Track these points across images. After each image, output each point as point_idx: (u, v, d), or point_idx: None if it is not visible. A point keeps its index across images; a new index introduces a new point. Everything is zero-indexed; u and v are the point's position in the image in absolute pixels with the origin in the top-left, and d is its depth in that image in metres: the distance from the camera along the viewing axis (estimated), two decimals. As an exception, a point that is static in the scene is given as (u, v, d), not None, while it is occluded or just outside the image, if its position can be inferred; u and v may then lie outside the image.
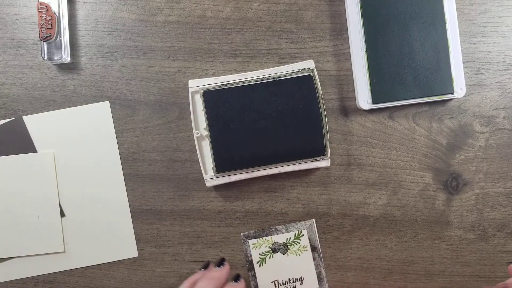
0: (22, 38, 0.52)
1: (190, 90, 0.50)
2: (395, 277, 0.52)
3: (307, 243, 0.51)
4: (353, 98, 0.52)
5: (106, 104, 0.52)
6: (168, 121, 0.52)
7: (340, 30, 0.52)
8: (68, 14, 0.51)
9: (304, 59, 0.51)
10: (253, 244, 0.52)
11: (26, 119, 0.52)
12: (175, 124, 0.52)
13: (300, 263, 0.52)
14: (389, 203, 0.52)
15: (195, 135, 0.50)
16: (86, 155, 0.52)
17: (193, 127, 0.50)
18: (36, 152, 0.52)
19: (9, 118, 0.52)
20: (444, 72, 0.50)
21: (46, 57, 0.50)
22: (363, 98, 0.50)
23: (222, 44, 0.52)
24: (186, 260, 0.52)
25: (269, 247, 0.52)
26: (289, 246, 0.52)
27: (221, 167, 0.49)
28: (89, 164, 0.52)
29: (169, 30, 0.52)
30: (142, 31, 0.52)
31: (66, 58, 0.51)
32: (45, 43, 0.50)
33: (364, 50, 0.50)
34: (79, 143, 0.52)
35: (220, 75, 0.51)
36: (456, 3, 0.50)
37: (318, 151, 0.49)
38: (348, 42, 0.51)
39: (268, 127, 0.49)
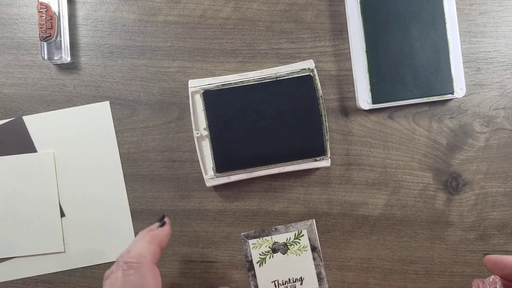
0: (22, 38, 0.52)
1: (190, 90, 0.50)
2: (395, 277, 0.52)
3: (307, 243, 0.51)
4: (353, 98, 0.52)
5: (106, 104, 0.52)
6: (168, 121, 0.52)
7: (340, 30, 0.52)
8: (68, 14, 0.51)
9: (304, 59, 0.51)
10: (253, 244, 0.52)
11: (26, 119, 0.52)
12: (175, 124, 0.52)
13: (300, 263, 0.52)
14: (389, 203, 0.52)
15: (195, 135, 0.50)
16: (86, 155, 0.52)
17: (193, 127, 0.50)
18: (36, 152, 0.52)
19: (9, 118, 0.52)
20: (444, 72, 0.50)
21: (46, 57, 0.50)
22: (363, 98, 0.50)
23: (222, 44, 0.52)
24: (186, 260, 0.52)
25: (269, 247, 0.52)
26: (289, 246, 0.52)
27: (221, 167, 0.49)
28: (89, 164, 0.52)
29: (169, 30, 0.52)
30: (142, 31, 0.52)
31: (66, 58, 0.51)
32: (45, 43, 0.50)
33: (364, 50, 0.50)
34: (79, 143, 0.52)
35: (220, 75, 0.51)
36: (456, 3, 0.50)
37: (318, 151, 0.49)
38: (348, 42, 0.51)
39: (268, 127, 0.49)
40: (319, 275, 0.51)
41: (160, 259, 0.52)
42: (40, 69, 0.52)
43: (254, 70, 0.51)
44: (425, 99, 0.50)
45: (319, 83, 0.49)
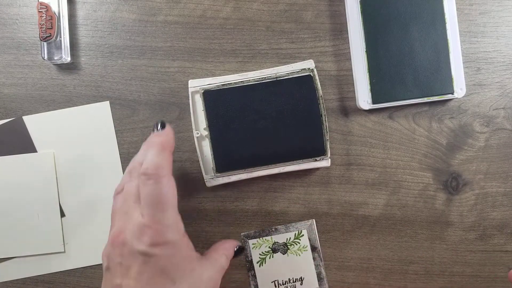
0: (22, 38, 0.52)
1: (190, 90, 0.50)
2: (395, 277, 0.52)
3: (307, 243, 0.51)
4: (353, 98, 0.52)
5: (106, 104, 0.52)
6: (168, 121, 0.52)
7: (340, 30, 0.52)
8: (68, 14, 0.51)
9: (304, 59, 0.51)
10: (253, 244, 0.52)
11: (26, 119, 0.52)
12: (175, 124, 0.52)
13: (300, 263, 0.52)
14: (389, 203, 0.52)
15: (195, 135, 0.50)
16: (86, 155, 0.52)
17: (193, 127, 0.50)
18: (36, 152, 0.52)
19: (9, 118, 0.52)
20: (444, 72, 0.50)
21: (46, 57, 0.50)
22: (363, 98, 0.50)
23: (222, 44, 0.52)
24: (186, 260, 0.52)
25: (269, 247, 0.52)
26: (289, 246, 0.52)
27: (221, 167, 0.49)
28: (89, 164, 0.52)
29: (169, 30, 0.52)
30: (142, 31, 0.52)
31: (66, 58, 0.51)
32: (45, 43, 0.50)
33: (364, 50, 0.50)
34: (79, 143, 0.52)
35: (220, 75, 0.51)
36: (456, 3, 0.50)
37: (318, 151, 0.49)
38: (348, 42, 0.51)
39: (268, 127, 0.49)
40: (319, 275, 0.51)
41: (160, 259, 0.52)
42: (40, 69, 0.52)
43: (254, 70, 0.51)
44: (425, 99, 0.50)
45: (319, 83, 0.49)
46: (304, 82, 0.49)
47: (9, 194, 0.51)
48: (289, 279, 0.52)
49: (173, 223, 0.38)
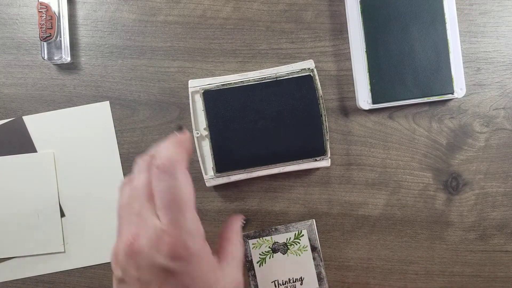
0: (22, 38, 0.52)
1: (190, 90, 0.50)
2: (395, 277, 0.52)
3: (307, 243, 0.51)
4: (353, 98, 0.52)
5: (106, 104, 0.52)
6: (168, 121, 0.52)
7: (340, 30, 0.52)
8: (68, 14, 0.51)
9: (304, 59, 0.51)
10: (253, 244, 0.52)
11: (26, 119, 0.52)
12: (175, 124, 0.52)
13: (300, 263, 0.52)
14: (389, 203, 0.52)
15: (195, 135, 0.50)
16: (86, 155, 0.52)
17: (193, 127, 0.50)
18: (36, 152, 0.52)
19: (9, 118, 0.52)
20: (444, 72, 0.50)
21: (46, 57, 0.50)
22: (363, 98, 0.50)
23: (222, 44, 0.52)
24: (186, 260, 0.52)
25: (269, 247, 0.52)
26: (289, 246, 0.52)
27: (221, 167, 0.49)
28: (89, 164, 0.52)
29: (169, 30, 0.52)
30: (142, 31, 0.52)
31: (66, 58, 0.51)
32: (45, 43, 0.50)
33: (364, 50, 0.50)
34: (79, 143, 0.52)
35: (220, 75, 0.51)
36: (456, 3, 0.50)
37: (318, 151, 0.49)
38: (348, 42, 0.51)
39: (268, 127, 0.49)
40: (319, 275, 0.51)
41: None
42: (40, 69, 0.52)
43: (254, 70, 0.51)
44: (425, 99, 0.50)
45: (319, 83, 0.49)
46: (304, 82, 0.49)
47: (9, 194, 0.51)
48: (289, 279, 0.52)
49: (194, 228, 0.34)
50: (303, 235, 0.51)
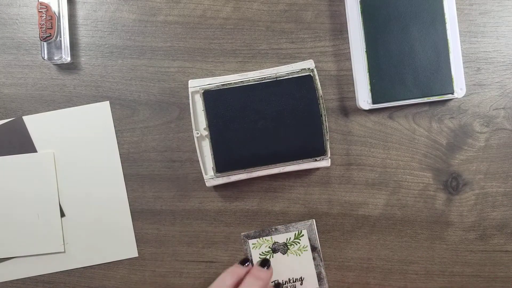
0: (22, 38, 0.52)
1: (190, 90, 0.50)
2: (395, 277, 0.52)
3: (307, 243, 0.51)
4: (353, 98, 0.52)
5: (106, 104, 0.52)
6: (168, 121, 0.52)
7: (340, 30, 0.52)
8: (68, 14, 0.51)
9: (304, 59, 0.51)
10: (253, 244, 0.52)
11: (26, 119, 0.52)
12: (175, 124, 0.52)
13: (300, 263, 0.52)
14: (389, 203, 0.52)
15: (195, 135, 0.50)
16: (86, 155, 0.52)
17: (193, 127, 0.50)
18: (36, 152, 0.52)
19: (9, 118, 0.52)
20: (444, 72, 0.50)
21: (46, 57, 0.50)
22: (363, 98, 0.50)
23: (222, 44, 0.52)
24: (186, 260, 0.52)
25: (269, 247, 0.52)
26: (289, 246, 0.52)
27: (221, 167, 0.49)
28: (89, 164, 0.52)
29: (169, 30, 0.52)
30: (142, 31, 0.52)
31: (66, 58, 0.51)
32: (45, 43, 0.50)
33: (364, 50, 0.50)
34: (79, 143, 0.52)
35: (220, 75, 0.51)
36: (456, 3, 0.50)
37: (318, 151, 0.49)
38: (348, 42, 0.51)
39: (268, 127, 0.49)
40: (319, 275, 0.51)
41: (160, 259, 0.52)
42: (40, 69, 0.52)
43: (254, 70, 0.51)
44: (425, 99, 0.50)
45: (319, 83, 0.49)
46: (304, 82, 0.49)
47: (9, 194, 0.51)
48: (289, 279, 0.52)
49: None
50: (303, 235, 0.51)
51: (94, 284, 0.52)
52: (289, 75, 0.49)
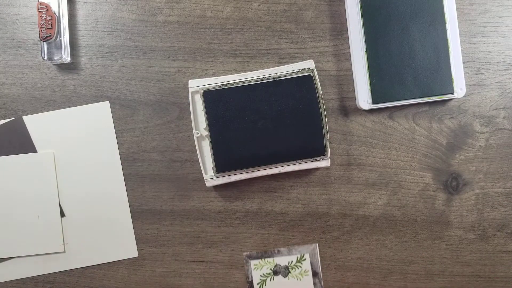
0: (22, 38, 0.52)
1: (190, 90, 0.50)
2: (395, 277, 0.52)
3: (309, 267, 0.51)
4: (353, 98, 0.52)
5: (106, 104, 0.52)
6: (168, 121, 0.52)
7: (340, 30, 0.52)
8: (68, 14, 0.51)
9: (304, 59, 0.51)
10: (254, 265, 0.51)
11: (26, 119, 0.52)
12: (175, 124, 0.52)
13: (301, 287, 0.51)
14: (389, 203, 0.52)
15: (195, 135, 0.50)
16: (86, 155, 0.52)
17: (193, 127, 0.50)
18: (36, 152, 0.52)
19: (9, 118, 0.52)
20: (444, 72, 0.50)
21: (46, 57, 0.50)
22: (363, 98, 0.50)
23: (222, 44, 0.52)
24: (186, 260, 0.52)
25: (271, 269, 0.51)
26: (290, 270, 0.51)
27: (221, 167, 0.49)
28: (89, 164, 0.52)
29: (169, 30, 0.52)
30: (142, 31, 0.52)
31: (66, 58, 0.51)
32: (45, 43, 0.50)
33: (364, 50, 0.50)
34: (79, 143, 0.52)
35: (220, 75, 0.51)
36: (456, 3, 0.50)
37: (318, 151, 0.49)
38: (348, 42, 0.51)
39: (268, 127, 0.49)
40: None
41: (160, 259, 0.52)
42: (40, 69, 0.52)
43: (254, 70, 0.51)
44: (425, 99, 0.50)
45: (319, 83, 0.49)
46: (304, 82, 0.49)
47: (9, 194, 0.51)
48: (288, 298, 0.51)
49: None
50: (305, 259, 0.51)
51: (94, 284, 0.52)
52: (289, 75, 0.49)
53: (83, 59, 0.52)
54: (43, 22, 0.49)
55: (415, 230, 0.52)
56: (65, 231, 0.51)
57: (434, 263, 0.52)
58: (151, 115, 0.52)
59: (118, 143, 0.52)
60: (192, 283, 0.52)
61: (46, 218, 0.51)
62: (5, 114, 0.52)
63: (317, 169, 0.52)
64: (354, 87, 0.51)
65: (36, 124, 0.52)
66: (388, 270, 0.52)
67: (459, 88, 0.50)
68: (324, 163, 0.50)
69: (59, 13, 0.50)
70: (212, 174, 0.49)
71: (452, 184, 0.52)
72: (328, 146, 0.49)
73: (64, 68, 0.52)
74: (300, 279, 0.51)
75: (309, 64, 0.50)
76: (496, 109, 0.52)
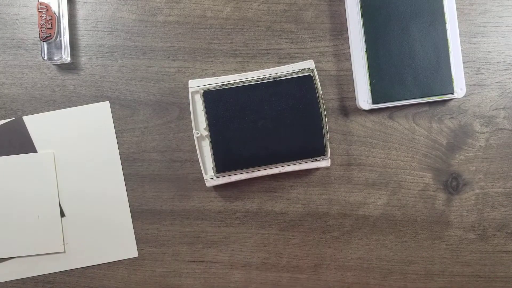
0: (22, 38, 0.52)
1: (190, 90, 0.50)
2: (395, 277, 0.52)
3: None
4: (353, 98, 0.52)
5: (106, 104, 0.52)
6: (168, 121, 0.52)
7: (340, 30, 0.52)
8: (68, 14, 0.51)
9: (304, 59, 0.51)
10: None
11: (26, 119, 0.52)
12: (175, 124, 0.52)
13: None
14: (389, 203, 0.52)
15: (195, 135, 0.50)
16: (86, 155, 0.52)
17: (193, 127, 0.50)
18: (36, 152, 0.52)
19: (9, 118, 0.52)
20: (444, 72, 0.50)
21: (46, 57, 0.50)
22: (363, 98, 0.50)
23: (222, 44, 0.52)
24: (186, 260, 0.52)
25: None
26: None
27: (221, 167, 0.49)
28: (89, 164, 0.52)
29: (169, 30, 0.52)
30: (142, 31, 0.52)
31: (66, 58, 0.51)
32: (45, 43, 0.50)
33: (364, 50, 0.50)
34: (79, 143, 0.52)
35: (220, 75, 0.51)
36: (456, 3, 0.50)
37: (318, 151, 0.49)
38: (348, 42, 0.51)
39: (268, 127, 0.49)
40: None
41: (160, 259, 0.52)
42: (40, 69, 0.52)
43: (254, 70, 0.51)
44: (425, 99, 0.50)
45: (319, 83, 0.49)
46: (304, 82, 0.49)
47: (9, 194, 0.51)
48: None
49: None
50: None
51: (94, 284, 0.52)
52: (289, 75, 0.49)
53: (83, 59, 0.52)
54: (43, 22, 0.49)
55: (415, 230, 0.52)
56: (65, 231, 0.51)
57: (434, 263, 0.52)
58: (151, 115, 0.52)
59: (118, 143, 0.52)
60: (192, 283, 0.52)
61: (46, 218, 0.51)
62: (5, 114, 0.52)
63: (317, 169, 0.52)
64: (354, 87, 0.51)
65: (36, 124, 0.52)
66: (388, 270, 0.52)
67: (459, 88, 0.50)
68: (324, 163, 0.50)
69: (59, 13, 0.50)
70: (212, 174, 0.49)
71: (452, 184, 0.52)
72: (328, 146, 0.49)
73: (64, 68, 0.52)
74: None
75: (309, 64, 0.50)
76: (496, 109, 0.52)
